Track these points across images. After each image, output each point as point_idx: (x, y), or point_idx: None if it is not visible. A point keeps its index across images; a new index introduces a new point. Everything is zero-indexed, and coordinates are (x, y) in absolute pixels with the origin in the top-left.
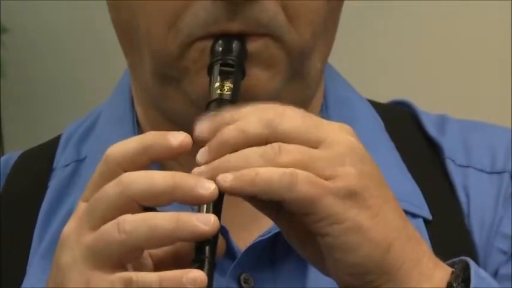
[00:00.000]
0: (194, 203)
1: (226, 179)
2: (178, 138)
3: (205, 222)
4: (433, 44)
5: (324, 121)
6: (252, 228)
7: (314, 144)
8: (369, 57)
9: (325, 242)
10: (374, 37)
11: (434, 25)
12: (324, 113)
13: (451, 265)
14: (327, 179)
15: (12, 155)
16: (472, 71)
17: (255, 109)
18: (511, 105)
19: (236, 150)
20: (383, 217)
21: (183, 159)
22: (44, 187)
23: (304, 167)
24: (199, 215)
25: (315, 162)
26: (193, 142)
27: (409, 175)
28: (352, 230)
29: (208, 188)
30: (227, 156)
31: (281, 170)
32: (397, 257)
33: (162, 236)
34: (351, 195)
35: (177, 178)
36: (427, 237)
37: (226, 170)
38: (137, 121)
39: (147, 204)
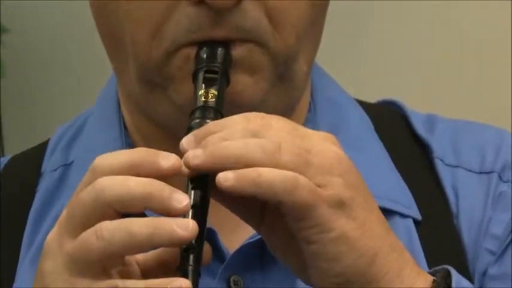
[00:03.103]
0: (167, 214)
1: (228, 177)
2: (169, 160)
3: (183, 227)
4: (432, 44)
5: (310, 131)
6: (241, 230)
7: None
8: (361, 56)
9: (311, 250)
10: (366, 36)
11: (433, 25)
12: (312, 113)
13: (433, 273)
14: (317, 186)
15: (3, 159)
16: (472, 71)
17: (240, 119)
18: (511, 105)
19: None
20: (369, 227)
21: (173, 151)
22: (33, 192)
23: (299, 170)
24: (177, 220)
25: (309, 167)
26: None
27: (398, 175)
28: (340, 239)
29: (181, 201)
30: (226, 142)
31: (283, 172)
32: (380, 268)
33: (141, 242)
34: (340, 204)
35: (152, 187)
36: (416, 237)
37: (224, 157)
38: (124, 125)
39: (120, 210)
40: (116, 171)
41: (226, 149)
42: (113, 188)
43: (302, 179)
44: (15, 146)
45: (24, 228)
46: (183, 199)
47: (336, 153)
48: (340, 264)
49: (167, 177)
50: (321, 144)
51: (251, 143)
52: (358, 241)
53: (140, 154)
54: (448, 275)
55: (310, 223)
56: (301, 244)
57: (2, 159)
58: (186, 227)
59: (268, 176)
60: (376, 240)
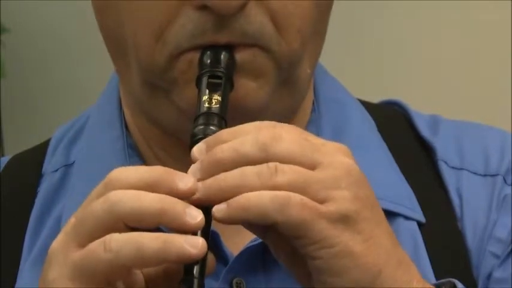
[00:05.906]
0: (180, 230)
1: (219, 208)
2: (187, 183)
3: (193, 244)
4: (432, 44)
5: (321, 142)
6: (244, 232)
7: (310, 167)
8: (362, 57)
9: (315, 265)
10: (368, 36)
11: (433, 25)
12: (316, 113)
13: (439, 286)
14: (321, 202)
15: (3, 159)
16: (472, 71)
17: (252, 129)
18: (511, 105)
19: (229, 169)
20: (375, 241)
21: (175, 153)
22: (34, 193)
23: (299, 189)
24: (187, 237)
25: (310, 184)
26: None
27: (402, 177)
28: (343, 254)
29: (195, 217)
30: (223, 174)
31: (273, 193)
32: (386, 282)
33: (149, 257)
34: (343, 219)
35: (166, 203)
36: (420, 240)
37: (221, 189)
38: (125, 124)
39: (132, 225)
40: (132, 187)
41: (223, 181)
42: (127, 201)
43: (294, 196)
44: (15, 146)
45: (25, 229)
46: (197, 215)
47: (346, 165)
48: (344, 279)
49: (182, 198)
50: (332, 157)
51: (247, 172)
52: (363, 256)
53: (158, 173)
54: (453, 287)
55: (310, 240)
56: (306, 259)
57: (3, 159)
58: (196, 244)
59: (256, 199)
60: (383, 255)
